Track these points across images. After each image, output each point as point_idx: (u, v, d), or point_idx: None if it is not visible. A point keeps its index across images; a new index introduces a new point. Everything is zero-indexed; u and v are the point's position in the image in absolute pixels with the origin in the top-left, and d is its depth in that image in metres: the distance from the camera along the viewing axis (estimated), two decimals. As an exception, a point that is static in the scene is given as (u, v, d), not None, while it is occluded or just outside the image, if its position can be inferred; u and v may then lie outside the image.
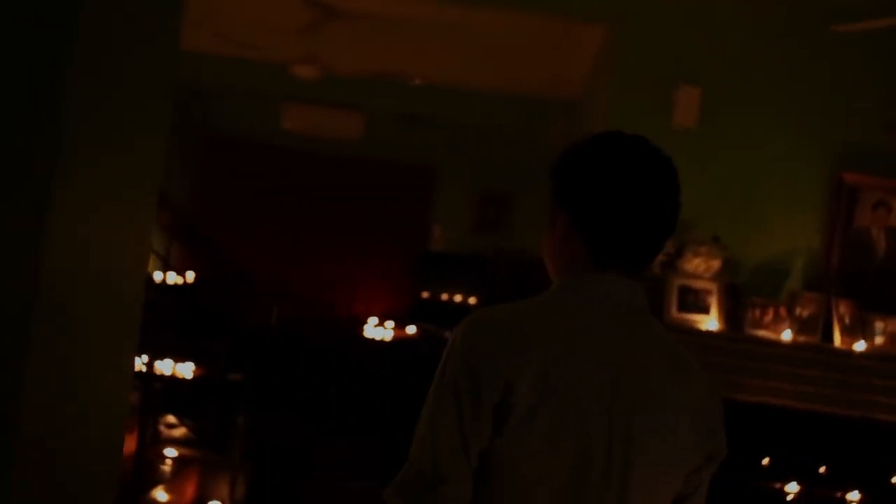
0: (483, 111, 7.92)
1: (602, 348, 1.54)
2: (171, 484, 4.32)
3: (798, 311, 4.23)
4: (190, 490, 4.54)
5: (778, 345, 4.16)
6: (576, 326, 1.55)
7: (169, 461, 4.56)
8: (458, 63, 7.12)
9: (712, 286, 4.21)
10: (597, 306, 1.57)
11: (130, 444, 4.56)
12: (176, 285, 7.08)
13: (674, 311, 4.17)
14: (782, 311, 4.23)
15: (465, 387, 1.50)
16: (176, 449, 4.67)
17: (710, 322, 4.19)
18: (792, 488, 4.09)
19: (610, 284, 1.58)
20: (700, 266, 4.20)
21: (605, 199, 1.57)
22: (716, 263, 4.22)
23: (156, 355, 5.68)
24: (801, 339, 4.20)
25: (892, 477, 4.11)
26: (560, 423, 1.50)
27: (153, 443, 4.78)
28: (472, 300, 7.88)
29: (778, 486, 4.11)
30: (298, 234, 8.78)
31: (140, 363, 5.58)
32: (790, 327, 4.20)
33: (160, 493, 4.20)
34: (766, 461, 4.14)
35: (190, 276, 7.74)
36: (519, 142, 8.38)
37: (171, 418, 5.06)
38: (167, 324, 5.59)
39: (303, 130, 8.34)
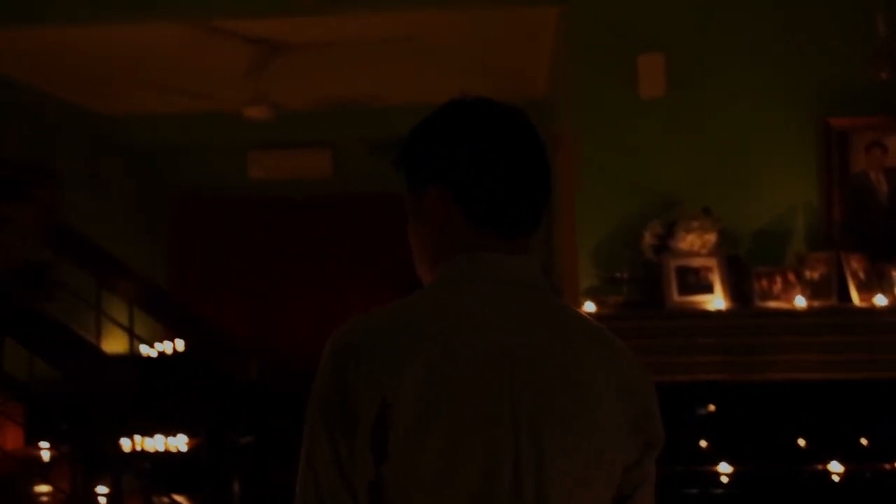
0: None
1: (497, 341, 1.30)
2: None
3: (808, 274, 3.91)
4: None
5: (793, 314, 3.83)
6: (464, 319, 1.31)
7: (166, 543, 4.23)
8: (416, 79, 6.86)
9: (712, 262, 3.89)
10: (487, 292, 1.35)
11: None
12: (163, 355, 6.81)
13: (675, 296, 3.85)
14: (791, 276, 3.91)
15: (335, 411, 1.27)
16: (173, 529, 4.35)
17: (715, 301, 3.86)
18: (836, 468, 3.75)
19: (499, 264, 1.38)
20: (695, 242, 3.88)
21: (480, 160, 1.38)
22: (711, 237, 3.90)
23: (146, 433, 5.43)
24: (817, 303, 3.87)
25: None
26: (453, 439, 1.25)
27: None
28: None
29: (820, 467, 3.77)
30: (282, 283, 8.50)
31: (130, 443, 5.32)
32: (802, 293, 3.87)
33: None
34: (802, 442, 3.81)
35: (180, 344, 7.49)
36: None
37: (165, 498, 4.73)
38: (156, 397, 5.31)
39: (271, 176, 8.10)
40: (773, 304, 3.87)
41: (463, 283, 1.37)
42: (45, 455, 4.32)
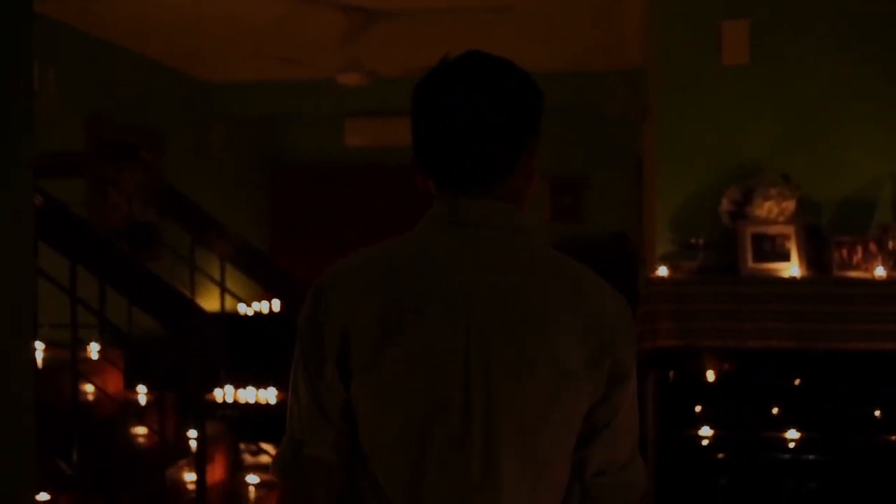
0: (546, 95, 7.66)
1: (454, 278, 1.39)
2: (256, 510, 4.21)
3: (891, 244, 3.84)
4: (275, 515, 4.42)
5: (871, 283, 3.78)
6: (424, 257, 1.42)
7: (252, 488, 4.44)
8: (509, 48, 6.87)
9: (789, 230, 3.86)
10: (450, 234, 1.44)
11: (216, 473, 4.48)
12: (259, 314, 7.06)
13: (749, 262, 3.84)
14: (872, 246, 3.85)
15: (309, 344, 1.43)
16: (259, 475, 4.56)
17: (791, 269, 3.84)
18: (909, 438, 3.71)
19: (462, 208, 1.45)
20: (773, 210, 3.86)
21: (420, 117, 1.47)
22: (790, 205, 3.87)
23: (238, 384, 5.67)
24: (898, 274, 3.81)
25: None
26: (405, 367, 1.37)
27: (237, 470, 4.69)
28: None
29: (894, 438, 3.73)
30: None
31: (222, 393, 5.57)
32: (884, 264, 3.82)
33: (245, 521, 4.09)
34: (878, 413, 3.78)
35: (276, 304, 7.76)
36: (587, 122, 8.12)
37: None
38: (248, 353, 5.54)
39: (367, 143, 8.26)
40: (851, 274, 3.82)
41: (427, 227, 1.48)
42: (142, 399, 4.58)
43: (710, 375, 3.85)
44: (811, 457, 3.77)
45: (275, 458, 1.52)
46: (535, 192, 1.58)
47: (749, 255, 3.84)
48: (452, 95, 1.44)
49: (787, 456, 3.80)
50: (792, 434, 3.77)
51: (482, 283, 1.38)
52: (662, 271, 3.90)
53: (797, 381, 3.83)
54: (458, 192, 1.46)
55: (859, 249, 3.86)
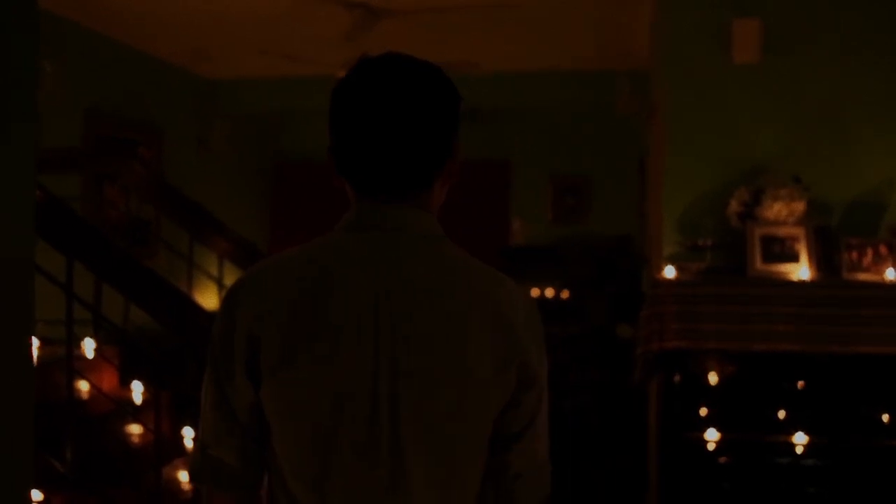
0: (549, 94, 7.62)
1: (367, 282, 1.37)
2: None
3: (901, 247, 3.79)
4: None
5: (882, 286, 3.71)
6: (336, 262, 1.39)
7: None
8: (514, 47, 6.85)
9: (799, 231, 3.80)
10: (362, 238, 1.42)
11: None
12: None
13: (758, 264, 3.78)
14: (882, 249, 3.79)
15: (219, 347, 1.41)
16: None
17: (801, 271, 3.77)
18: (919, 444, 3.65)
19: (377, 213, 1.43)
20: (782, 211, 3.79)
21: (339, 123, 1.42)
22: (799, 206, 3.81)
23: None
24: (909, 277, 3.75)
25: None
26: (311, 372, 1.35)
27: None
28: (563, 294, 7.55)
29: (902, 443, 3.67)
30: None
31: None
32: (893, 266, 3.76)
33: None
34: (885, 417, 3.71)
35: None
36: (590, 122, 8.06)
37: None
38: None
39: (369, 141, 8.18)
40: (861, 276, 3.76)
41: (341, 231, 1.45)
42: (138, 397, 4.51)
43: (716, 378, 3.78)
44: (817, 461, 3.71)
45: (189, 462, 1.52)
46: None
47: (758, 257, 3.78)
48: (374, 101, 1.40)
49: (792, 460, 3.73)
50: (799, 438, 3.70)
51: (393, 287, 1.37)
52: (669, 272, 3.84)
53: (804, 385, 3.76)
54: (377, 198, 1.44)
55: (869, 252, 3.80)
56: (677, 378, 3.81)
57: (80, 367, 4.05)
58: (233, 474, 1.45)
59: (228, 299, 1.42)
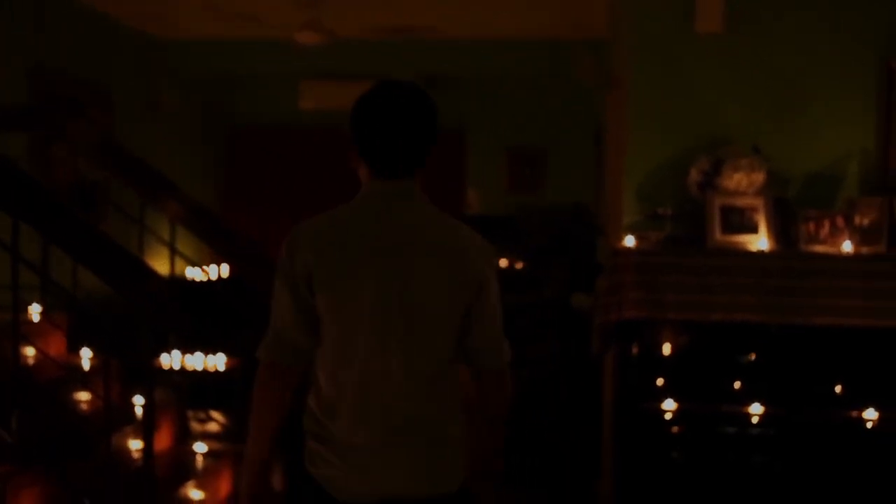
0: (506, 63, 7.56)
1: (379, 227, 2.14)
2: (204, 479, 4.06)
3: (857, 219, 3.81)
4: (224, 485, 4.28)
5: (838, 258, 3.74)
6: (359, 215, 2.17)
7: (200, 456, 4.30)
8: (475, 12, 6.76)
9: (758, 202, 3.81)
10: (375, 200, 2.18)
11: (163, 441, 4.33)
12: (207, 280, 6.88)
13: (717, 234, 3.78)
14: (839, 221, 3.81)
15: (287, 268, 2.16)
16: (207, 444, 4.41)
17: (759, 242, 3.78)
18: (871, 415, 3.68)
19: (385, 185, 2.18)
20: (742, 181, 3.79)
21: (364, 124, 2.16)
22: (759, 177, 3.81)
23: (185, 350, 5.50)
24: (864, 250, 3.78)
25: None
26: (351, 282, 2.12)
27: (184, 438, 4.55)
28: (518, 264, 7.52)
29: (855, 413, 3.71)
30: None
31: (170, 359, 5.41)
32: (850, 238, 3.78)
33: (193, 490, 3.94)
34: (839, 388, 3.74)
35: (224, 270, 7.59)
36: (547, 93, 8.02)
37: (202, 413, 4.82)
38: (197, 318, 5.37)
39: (321, 107, 8.07)
40: (818, 248, 3.78)
41: (365, 197, 2.21)
42: (86, 364, 4.41)
43: (674, 348, 3.79)
44: (769, 431, 3.74)
45: (260, 343, 2.22)
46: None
47: (717, 227, 3.78)
48: (390, 110, 2.14)
49: (744, 430, 3.76)
50: (755, 409, 3.72)
51: (399, 231, 2.14)
52: (629, 241, 3.82)
53: (760, 356, 3.78)
54: (389, 176, 2.17)
55: (826, 224, 3.82)
56: (635, 349, 3.81)
57: (27, 332, 3.94)
58: (302, 349, 2.18)
59: (292, 241, 2.15)
